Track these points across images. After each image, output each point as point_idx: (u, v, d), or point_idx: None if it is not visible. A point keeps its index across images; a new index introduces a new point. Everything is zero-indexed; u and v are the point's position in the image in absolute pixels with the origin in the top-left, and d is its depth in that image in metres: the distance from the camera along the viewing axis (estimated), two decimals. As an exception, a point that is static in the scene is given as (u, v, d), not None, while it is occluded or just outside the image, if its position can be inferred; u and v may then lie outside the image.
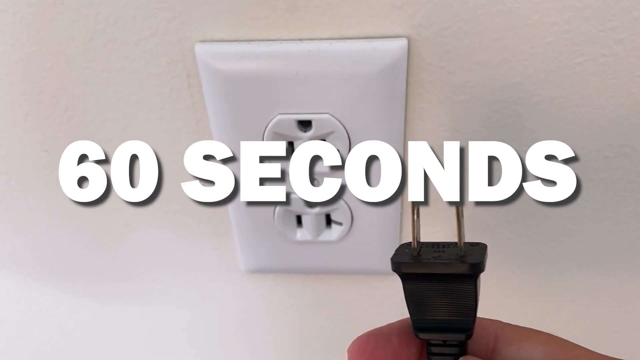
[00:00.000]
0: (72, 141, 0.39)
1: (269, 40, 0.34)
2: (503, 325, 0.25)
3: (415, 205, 0.26)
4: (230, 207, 0.41)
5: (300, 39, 0.33)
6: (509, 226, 0.41)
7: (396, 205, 0.40)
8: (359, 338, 0.25)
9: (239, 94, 0.35)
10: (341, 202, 0.40)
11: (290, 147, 0.37)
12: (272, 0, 0.32)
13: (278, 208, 0.40)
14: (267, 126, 0.36)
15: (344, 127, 0.35)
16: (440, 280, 0.24)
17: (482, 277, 0.24)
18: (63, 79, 0.36)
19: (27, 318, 0.53)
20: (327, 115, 0.35)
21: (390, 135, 0.36)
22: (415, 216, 0.25)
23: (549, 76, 0.34)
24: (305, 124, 0.36)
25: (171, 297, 0.49)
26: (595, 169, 0.37)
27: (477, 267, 0.24)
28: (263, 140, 0.36)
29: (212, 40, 0.34)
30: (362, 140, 0.36)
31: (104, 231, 0.44)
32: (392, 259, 0.25)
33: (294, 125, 0.36)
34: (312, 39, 0.33)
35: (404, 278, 0.25)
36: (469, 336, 0.25)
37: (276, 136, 0.36)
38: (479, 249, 0.25)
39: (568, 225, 0.41)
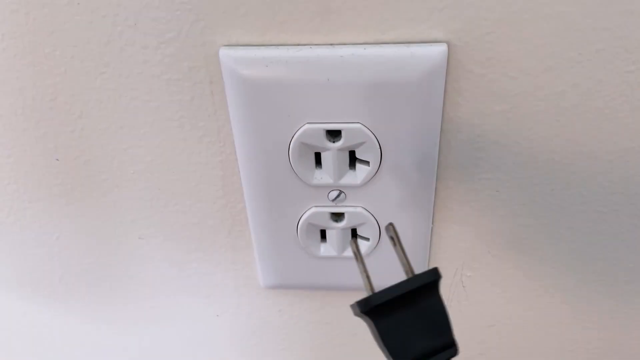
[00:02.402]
0: (86, 150, 0.37)
1: (298, 45, 0.31)
2: None
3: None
4: (250, 219, 0.39)
5: (332, 44, 0.31)
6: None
7: (426, 220, 0.38)
8: None
9: (265, 101, 0.33)
10: (367, 214, 0.37)
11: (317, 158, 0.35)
12: (303, 2, 0.30)
13: (302, 221, 0.38)
14: (293, 136, 0.34)
15: (376, 137, 0.33)
16: (408, 303, 0.25)
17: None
18: (77, 84, 0.34)
19: (34, 334, 0.51)
20: (358, 125, 0.33)
21: (424, 147, 0.34)
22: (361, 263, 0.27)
23: (596, 85, 0.32)
24: (334, 134, 0.34)
25: (186, 313, 0.46)
26: (641, 183, 0.35)
27: (436, 271, 0.25)
28: (289, 150, 0.34)
29: (237, 45, 0.32)
30: (394, 152, 0.34)
31: (117, 244, 0.42)
32: (356, 303, 0.25)
33: (323, 135, 0.33)
34: (345, 44, 0.31)
35: (375, 315, 0.25)
36: (456, 350, 0.25)
37: (303, 146, 0.34)
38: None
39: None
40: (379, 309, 0.25)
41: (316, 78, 0.32)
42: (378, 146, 0.34)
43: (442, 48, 0.31)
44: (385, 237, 0.38)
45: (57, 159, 0.38)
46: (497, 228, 0.39)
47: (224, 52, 0.32)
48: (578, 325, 0.44)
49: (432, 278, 0.25)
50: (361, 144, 0.33)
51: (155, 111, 0.35)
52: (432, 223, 0.38)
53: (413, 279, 0.25)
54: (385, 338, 0.25)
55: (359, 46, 0.31)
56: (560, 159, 0.35)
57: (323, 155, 0.34)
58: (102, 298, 0.46)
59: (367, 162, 0.35)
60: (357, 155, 0.35)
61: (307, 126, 0.33)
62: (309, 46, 0.31)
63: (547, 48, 0.31)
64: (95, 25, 0.32)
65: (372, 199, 0.36)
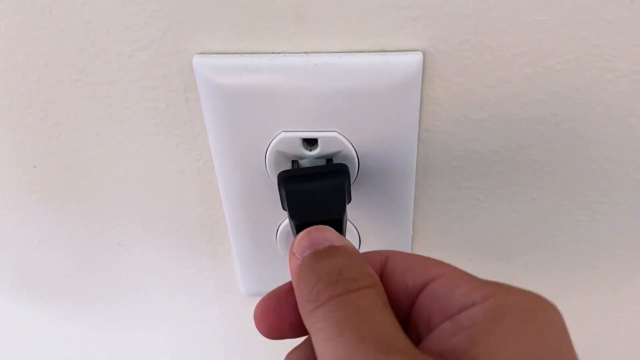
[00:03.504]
0: (63, 157, 0.36)
1: (272, 53, 0.31)
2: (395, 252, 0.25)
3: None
4: (229, 227, 0.38)
5: (306, 52, 0.31)
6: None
7: (406, 228, 0.37)
8: (261, 299, 0.25)
9: (240, 109, 0.32)
10: (348, 224, 0.37)
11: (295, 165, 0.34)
12: (277, 10, 0.30)
13: (281, 228, 0.38)
14: (269, 144, 0.33)
15: (353, 146, 0.33)
16: (316, 180, 0.30)
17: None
18: (52, 91, 0.34)
19: (16, 342, 0.50)
20: (334, 134, 0.32)
21: (402, 155, 0.33)
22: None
23: (575, 94, 0.31)
24: (310, 142, 0.34)
25: (169, 319, 0.46)
26: (625, 193, 0.35)
27: (345, 166, 0.31)
28: (265, 158, 0.34)
29: (211, 53, 0.31)
30: (371, 161, 0.33)
31: (97, 251, 0.42)
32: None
33: (299, 144, 0.33)
34: (319, 52, 0.31)
35: (286, 184, 0.30)
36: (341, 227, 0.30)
37: (279, 155, 0.33)
38: None
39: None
40: (290, 179, 0.31)
41: (291, 86, 0.31)
42: (355, 155, 0.33)
43: (417, 57, 0.30)
44: (365, 244, 0.38)
45: (35, 166, 0.38)
46: (479, 235, 0.38)
47: (197, 60, 0.31)
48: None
49: (342, 167, 0.31)
50: (338, 152, 0.33)
51: (130, 118, 0.35)
52: (413, 231, 0.38)
53: (327, 165, 0.32)
54: (290, 201, 0.30)
55: (334, 54, 0.31)
56: (540, 167, 0.34)
57: (300, 163, 0.34)
58: (83, 304, 0.46)
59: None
60: (335, 163, 0.34)
61: (282, 134, 0.33)
62: (283, 54, 0.31)
63: (525, 56, 0.30)
64: (68, 32, 0.32)
65: (351, 207, 0.36)
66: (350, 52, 0.31)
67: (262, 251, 0.39)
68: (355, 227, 0.37)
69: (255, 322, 0.25)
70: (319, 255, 0.23)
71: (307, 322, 0.21)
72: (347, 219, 0.32)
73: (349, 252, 0.23)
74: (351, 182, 0.34)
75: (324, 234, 0.24)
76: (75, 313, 0.47)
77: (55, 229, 0.41)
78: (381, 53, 0.30)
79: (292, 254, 0.24)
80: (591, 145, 0.33)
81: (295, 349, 0.25)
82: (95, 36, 0.32)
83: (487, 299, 0.20)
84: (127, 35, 0.31)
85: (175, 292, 0.44)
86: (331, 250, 0.23)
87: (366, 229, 0.37)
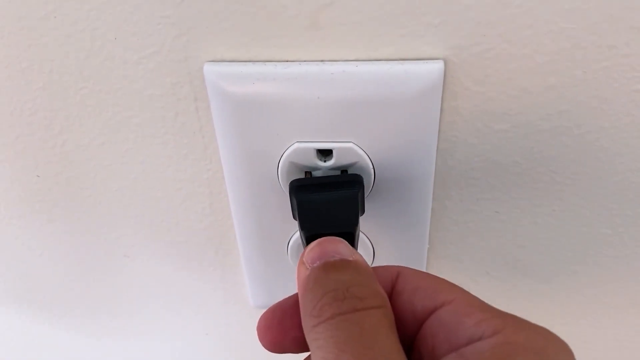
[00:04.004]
0: (67, 166, 0.35)
1: (286, 61, 0.30)
2: (405, 268, 0.24)
3: None
4: (239, 238, 0.37)
5: (322, 60, 0.30)
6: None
7: (421, 240, 0.36)
8: (265, 312, 0.24)
9: (252, 119, 0.31)
10: (361, 235, 0.36)
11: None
12: (291, 17, 0.28)
13: (292, 241, 0.36)
14: (282, 155, 0.32)
15: (369, 157, 0.32)
16: (329, 191, 0.29)
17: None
18: (56, 99, 0.33)
19: (18, 352, 0.49)
20: (350, 144, 0.31)
21: (420, 167, 0.32)
22: None
23: (602, 104, 0.30)
24: (325, 153, 0.32)
25: (175, 331, 0.45)
26: (647, 205, 0.34)
27: (359, 176, 0.30)
28: (278, 170, 0.33)
29: (222, 60, 0.30)
30: (388, 172, 0.32)
31: (102, 261, 0.41)
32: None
33: (313, 155, 0.32)
34: (335, 61, 0.30)
35: (298, 193, 0.29)
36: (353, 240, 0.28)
37: (292, 166, 0.32)
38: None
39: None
40: (301, 188, 0.30)
41: (306, 96, 0.30)
42: (371, 166, 0.32)
43: (438, 65, 0.29)
44: (379, 257, 0.37)
45: (38, 175, 0.37)
46: (496, 248, 0.37)
47: (208, 68, 0.30)
48: (580, 347, 0.42)
49: (356, 178, 0.30)
50: (353, 163, 0.32)
51: (138, 127, 0.33)
52: (429, 243, 0.37)
53: (341, 175, 0.31)
54: (301, 211, 0.29)
55: (351, 63, 0.29)
56: (563, 179, 0.33)
57: (314, 175, 0.33)
58: (88, 315, 0.45)
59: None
60: (350, 175, 0.33)
61: (296, 145, 0.32)
62: (298, 62, 0.30)
63: (550, 65, 0.29)
64: (73, 39, 0.30)
65: (365, 219, 0.35)
66: (368, 60, 0.29)
67: (272, 263, 0.38)
68: (369, 239, 0.36)
69: (258, 335, 0.24)
70: (329, 268, 0.22)
71: (309, 338, 0.20)
72: (359, 232, 0.31)
73: (359, 267, 0.23)
74: (366, 194, 0.33)
75: (337, 246, 0.24)
76: (78, 323, 0.46)
77: (58, 239, 0.40)
78: (400, 62, 0.29)
79: (301, 263, 0.24)
80: (616, 157, 0.32)
81: None
82: (102, 43, 0.30)
83: (497, 334, 0.19)
84: (135, 42, 0.30)
85: (182, 303, 0.43)
86: (341, 264, 0.23)
87: (380, 241, 0.36)
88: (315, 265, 0.23)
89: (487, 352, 0.18)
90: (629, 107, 0.30)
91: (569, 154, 0.32)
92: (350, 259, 0.23)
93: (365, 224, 0.35)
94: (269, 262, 0.38)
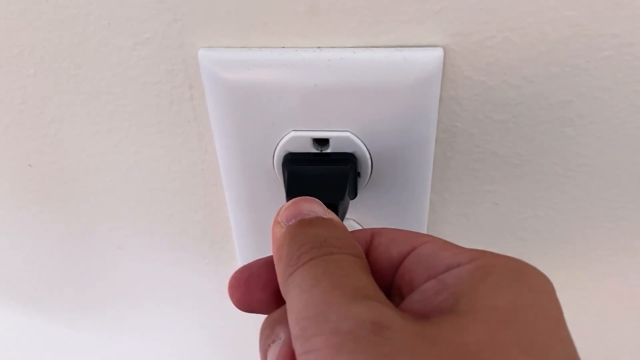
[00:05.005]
0: (60, 155, 0.35)
1: (283, 47, 0.29)
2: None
3: None
4: (234, 230, 0.36)
5: (319, 47, 0.29)
6: (546, 258, 0.37)
7: (419, 230, 0.35)
8: (234, 272, 0.24)
9: (248, 107, 0.30)
10: (357, 226, 0.35)
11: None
12: (289, 2, 0.28)
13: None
14: (278, 144, 0.31)
15: (366, 147, 0.31)
16: (321, 164, 0.30)
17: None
18: (48, 86, 0.32)
19: (12, 347, 0.49)
20: (347, 134, 0.31)
21: (418, 157, 0.32)
22: None
23: (604, 94, 0.29)
24: (321, 142, 0.32)
25: (170, 324, 0.44)
26: (649, 198, 0.33)
27: (353, 155, 0.30)
28: (274, 159, 0.32)
29: (218, 47, 0.30)
30: (385, 162, 0.32)
31: (95, 253, 0.40)
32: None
33: (309, 144, 0.31)
34: (333, 47, 0.29)
35: (290, 166, 0.30)
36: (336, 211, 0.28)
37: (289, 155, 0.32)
38: None
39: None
40: (294, 162, 0.30)
41: (302, 83, 0.29)
42: (368, 156, 0.31)
43: (437, 53, 0.28)
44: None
45: (30, 165, 0.36)
46: (496, 241, 0.36)
47: (203, 54, 0.30)
48: (581, 343, 0.42)
49: (349, 157, 0.30)
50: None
51: (131, 116, 0.33)
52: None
53: (335, 153, 0.31)
54: (290, 182, 0.29)
55: (349, 50, 0.29)
56: (564, 171, 0.32)
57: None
58: (82, 308, 0.44)
59: (357, 173, 0.32)
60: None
61: (292, 134, 0.31)
62: (294, 49, 0.29)
63: (552, 54, 0.28)
64: (65, 24, 0.30)
65: (361, 210, 0.34)
66: (366, 47, 0.29)
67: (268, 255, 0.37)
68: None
69: (228, 293, 0.24)
70: (305, 225, 0.22)
71: (285, 289, 0.20)
72: (346, 211, 0.30)
73: (335, 224, 0.22)
74: (363, 184, 0.32)
75: (312, 205, 0.23)
76: (72, 317, 0.45)
77: (51, 230, 0.39)
78: (399, 48, 0.28)
79: (276, 222, 0.23)
80: (618, 148, 0.31)
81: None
82: (95, 28, 0.30)
83: (474, 260, 0.19)
84: (128, 28, 0.29)
85: (177, 296, 0.42)
86: (317, 221, 0.22)
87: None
88: (290, 223, 0.22)
89: (465, 274, 0.19)
90: (632, 97, 0.29)
91: (571, 145, 0.31)
92: (325, 217, 0.22)
93: (362, 214, 0.34)
94: (265, 254, 0.37)
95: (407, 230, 0.23)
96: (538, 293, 0.18)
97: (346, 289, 0.18)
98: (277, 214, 0.23)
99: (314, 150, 0.31)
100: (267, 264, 0.24)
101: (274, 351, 0.21)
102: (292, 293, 0.19)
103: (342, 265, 0.19)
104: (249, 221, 0.36)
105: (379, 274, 0.22)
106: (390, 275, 0.22)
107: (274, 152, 0.32)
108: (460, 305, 0.18)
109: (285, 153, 0.31)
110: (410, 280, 0.21)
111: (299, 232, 0.22)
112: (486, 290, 0.18)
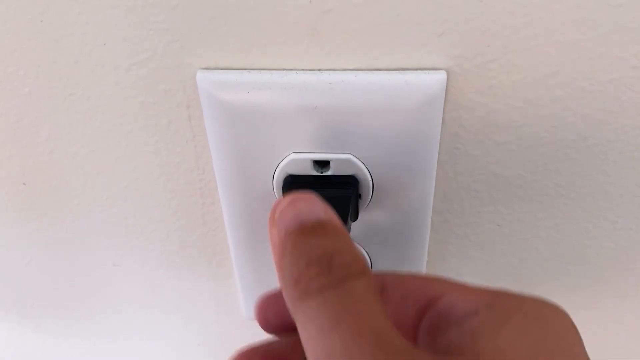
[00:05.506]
0: (55, 174, 0.34)
1: (283, 69, 0.29)
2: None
3: None
4: (232, 249, 0.36)
5: (320, 69, 0.29)
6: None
7: (420, 253, 0.35)
8: (260, 296, 0.25)
9: (247, 129, 0.30)
10: (358, 247, 0.35)
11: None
12: (289, 24, 0.27)
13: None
14: (278, 165, 0.31)
15: (368, 169, 0.31)
16: (323, 188, 0.29)
17: None
18: (43, 105, 0.32)
19: (6, 356, 0.48)
20: (348, 156, 0.30)
21: (420, 179, 0.31)
22: None
23: (608, 117, 0.29)
24: (322, 164, 0.31)
25: (166, 341, 0.44)
26: (652, 220, 0.33)
27: (354, 179, 0.30)
28: (273, 181, 0.31)
29: (216, 68, 0.29)
30: (387, 184, 0.31)
31: (91, 271, 0.39)
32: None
33: (310, 166, 0.31)
34: (334, 70, 0.28)
35: (289, 189, 0.29)
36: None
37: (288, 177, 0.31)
38: None
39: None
40: (294, 185, 0.30)
41: (302, 106, 0.29)
42: (370, 178, 0.31)
43: (440, 76, 0.28)
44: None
45: (24, 183, 0.35)
46: (498, 262, 0.36)
47: (201, 76, 0.29)
48: None
49: (351, 180, 0.30)
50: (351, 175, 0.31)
51: (128, 135, 0.32)
52: (428, 256, 0.36)
53: (337, 176, 0.30)
54: None
55: (350, 72, 0.28)
56: (567, 192, 0.32)
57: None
58: (77, 325, 0.44)
59: (358, 195, 0.32)
60: (347, 186, 0.32)
61: (292, 156, 0.30)
62: (295, 71, 0.29)
63: (556, 77, 0.28)
64: (61, 44, 0.29)
65: (362, 231, 0.34)
66: (368, 70, 0.28)
67: (266, 275, 0.37)
68: (367, 252, 0.35)
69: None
70: (306, 234, 0.21)
71: (295, 311, 0.20)
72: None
73: (336, 230, 0.22)
74: (364, 205, 0.32)
75: (310, 205, 0.22)
76: (66, 333, 0.44)
77: (46, 248, 0.39)
78: (401, 72, 0.28)
79: (273, 224, 0.22)
80: (622, 171, 0.31)
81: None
82: (92, 48, 0.29)
83: (492, 306, 0.19)
84: (126, 48, 0.29)
85: (174, 314, 0.41)
86: (319, 228, 0.21)
87: (378, 254, 0.35)
88: (290, 229, 0.22)
89: (485, 317, 0.19)
90: (636, 120, 0.29)
91: (574, 167, 0.31)
92: (324, 217, 0.22)
93: (363, 235, 0.34)
94: (263, 273, 0.37)
95: (415, 277, 0.23)
96: (560, 333, 0.19)
97: (369, 337, 0.17)
98: (273, 211, 0.22)
99: (315, 173, 0.31)
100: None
101: None
102: (307, 328, 0.19)
103: (356, 297, 0.19)
104: (247, 240, 0.35)
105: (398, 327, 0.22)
106: (411, 336, 0.22)
107: (274, 174, 0.31)
108: (480, 347, 0.18)
109: (285, 175, 0.31)
110: (430, 332, 0.21)
111: (300, 242, 0.21)
112: (507, 335, 0.18)
